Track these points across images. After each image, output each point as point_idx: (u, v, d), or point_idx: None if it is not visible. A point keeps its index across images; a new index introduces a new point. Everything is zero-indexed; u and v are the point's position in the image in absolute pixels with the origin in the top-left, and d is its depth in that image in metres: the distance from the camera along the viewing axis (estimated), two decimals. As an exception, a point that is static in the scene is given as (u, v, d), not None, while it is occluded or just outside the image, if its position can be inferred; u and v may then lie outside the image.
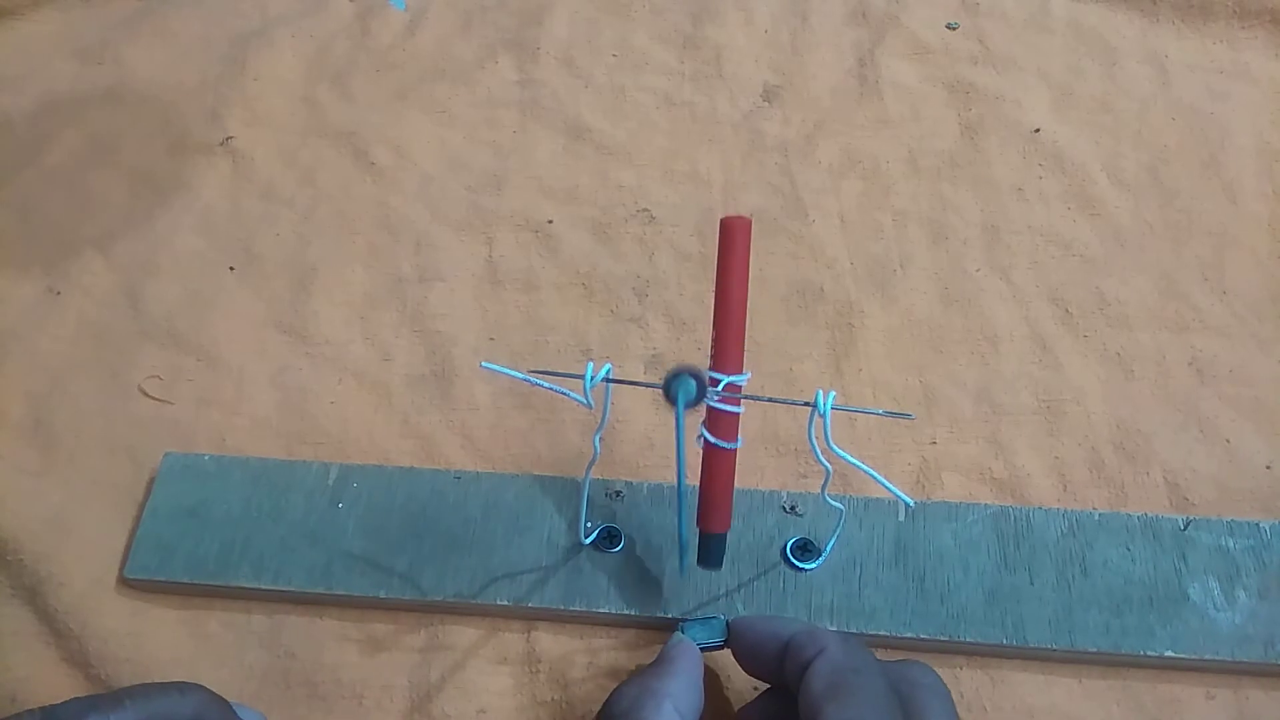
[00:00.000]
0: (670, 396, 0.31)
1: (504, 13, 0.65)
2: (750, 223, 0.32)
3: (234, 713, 0.36)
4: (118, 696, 0.33)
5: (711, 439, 0.35)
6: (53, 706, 0.32)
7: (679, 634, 0.39)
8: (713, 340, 0.34)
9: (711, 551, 0.39)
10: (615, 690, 0.36)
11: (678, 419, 0.30)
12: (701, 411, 0.35)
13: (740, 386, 0.34)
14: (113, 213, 0.56)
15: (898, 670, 0.35)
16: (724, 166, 0.57)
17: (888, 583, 0.41)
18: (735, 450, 0.36)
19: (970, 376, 0.49)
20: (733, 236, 0.32)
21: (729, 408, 0.34)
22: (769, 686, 0.38)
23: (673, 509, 0.43)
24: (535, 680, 0.41)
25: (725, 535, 0.39)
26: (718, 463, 0.37)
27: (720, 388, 0.33)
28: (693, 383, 0.31)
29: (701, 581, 0.41)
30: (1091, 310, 0.51)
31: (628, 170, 0.57)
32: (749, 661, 0.38)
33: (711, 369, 0.34)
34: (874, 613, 0.40)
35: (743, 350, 0.34)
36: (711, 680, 0.40)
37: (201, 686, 0.35)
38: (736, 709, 0.40)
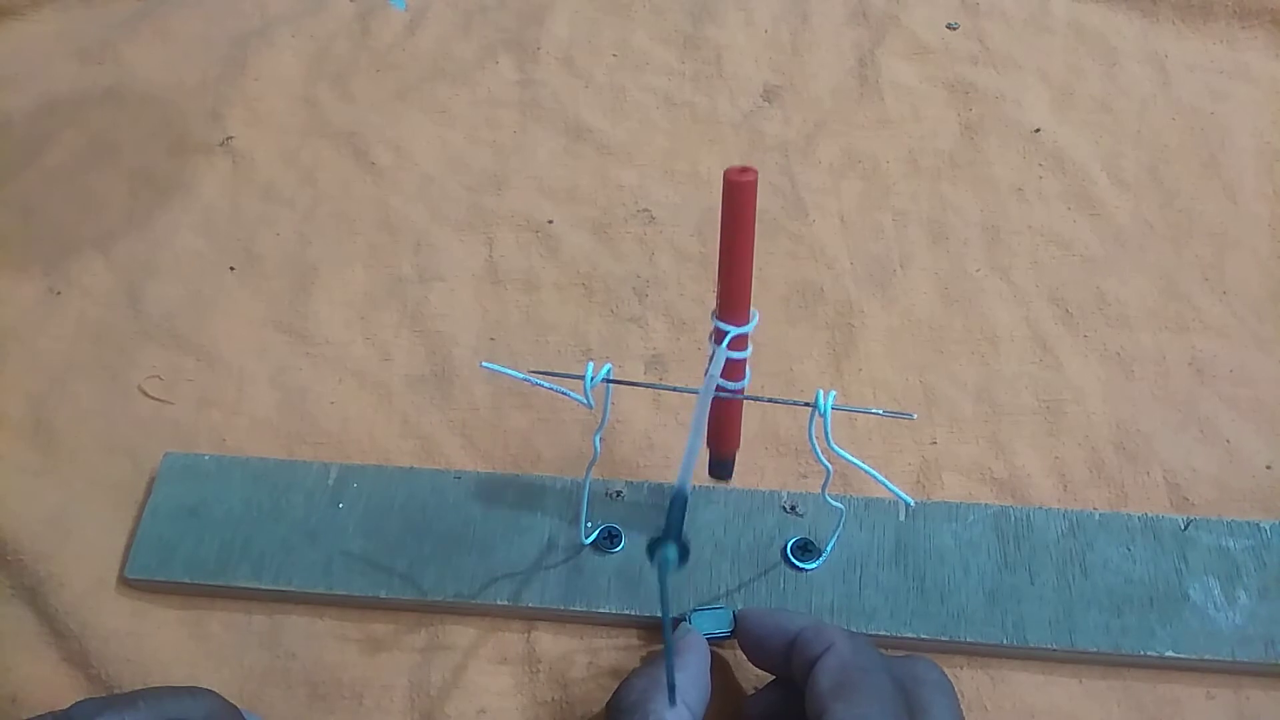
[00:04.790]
0: (654, 561, 0.32)
1: (504, 13, 0.65)
2: (755, 175, 0.32)
3: (243, 719, 0.36)
4: (132, 698, 0.33)
5: (723, 384, 0.36)
6: (67, 708, 0.32)
7: (686, 625, 0.39)
8: (718, 293, 0.34)
9: (722, 468, 0.41)
10: (623, 682, 0.36)
11: (662, 585, 0.31)
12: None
13: (747, 335, 0.34)
14: (113, 213, 0.56)
15: (903, 667, 0.35)
16: (724, 166, 0.56)
17: (888, 583, 0.41)
18: (743, 388, 0.37)
19: (970, 376, 0.49)
20: (737, 190, 0.32)
21: (737, 355, 0.35)
22: (774, 678, 0.38)
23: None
24: (535, 680, 0.41)
25: (734, 454, 0.41)
26: (728, 401, 0.38)
27: (728, 339, 0.34)
28: (674, 555, 0.31)
29: (702, 581, 0.41)
30: (1091, 310, 0.51)
31: (628, 170, 0.57)
32: (755, 654, 0.38)
33: (718, 319, 0.34)
34: (874, 613, 0.40)
35: (749, 301, 0.34)
36: (718, 671, 0.40)
37: (213, 692, 0.36)
38: (742, 700, 0.40)
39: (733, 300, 0.34)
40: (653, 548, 0.32)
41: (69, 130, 0.60)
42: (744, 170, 0.31)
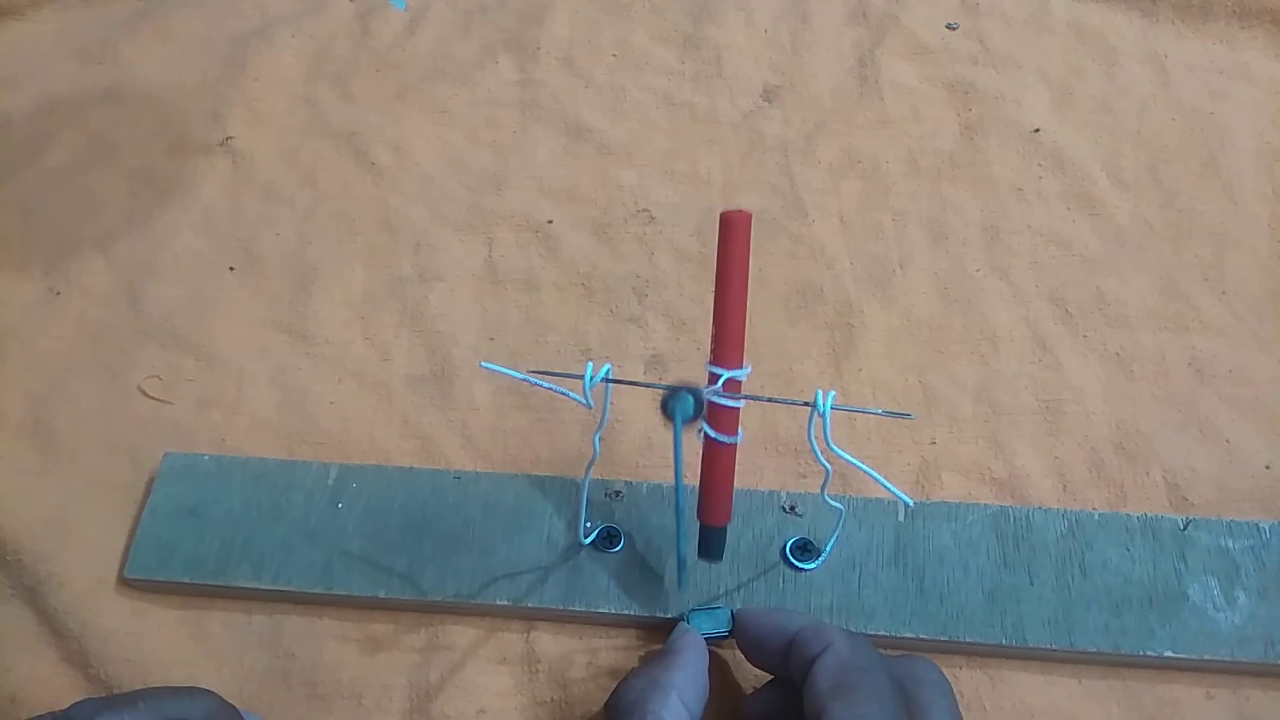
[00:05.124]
0: (668, 413, 0.31)
1: (504, 13, 0.65)
2: (750, 217, 0.32)
3: (243, 719, 0.36)
4: (131, 698, 0.33)
5: (712, 434, 0.35)
6: (66, 708, 0.32)
7: (684, 624, 0.39)
8: (712, 335, 0.34)
9: (712, 544, 0.39)
10: (622, 682, 0.36)
11: (675, 436, 0.30)
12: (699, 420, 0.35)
13: (740, 382, 0.34)
14: (113, 213, 0.56)
15: (901, 666, 0.35)
16: (724, 166, 0.57)
17: (887, 583, 0.41)
18: (735, 445, 0.36)
19: (970, 376, 0.49)
20: (732, 231, 0.32)
21: (729, 402, 0.34)
22: (773, 677, 0.38)
23: (673, 508, 0.43)
24: (535, 680, 0.41)
25: (725, 528, 0.39)
26: (718, 457, 0.37)
27: (720, 383, 0.33)
28: (690, 400, 0.31)
29: (701, 580, 0.41)
30: (1091, 310, 0.51)
31: (628, 170, 0.57)
32: (753, 653, 0.38)
33: (711, 363, 0.34)
34: (873, 613, 0.40)
35: (743, 345, 0.34)
36: (717, 670, 0.40)
37: (213, 692, 0.36)
38: (741, 700, 0.40)
39: (726, 342, 0.33)
40: (668, 401, 0.31)
41: (69, 130, 0.60)
42: (738, 211, 0.31)
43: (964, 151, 0.57)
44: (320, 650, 0.42)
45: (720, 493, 0.38)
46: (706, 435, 0.36)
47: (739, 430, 0.36)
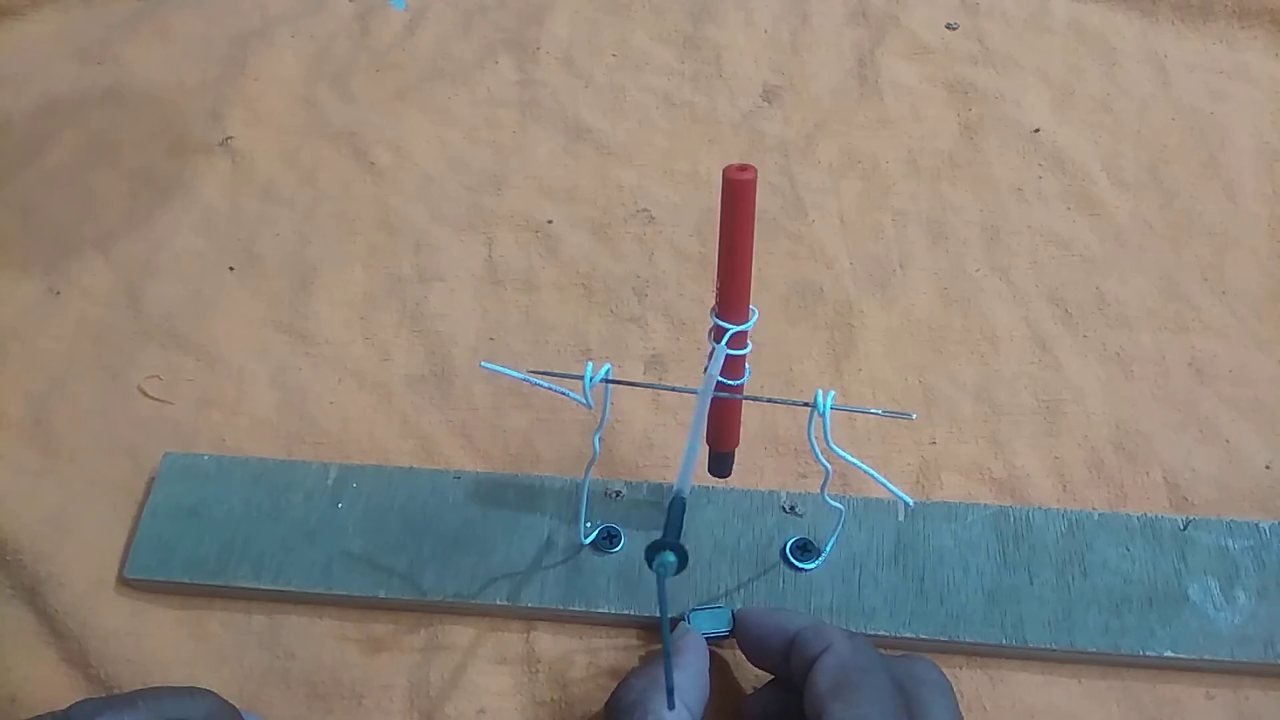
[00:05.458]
0: (652, 567, 0.33)
1: (504, 13, 0.65)
2: (754, 173, 0.32)
3: (243, 719, 0.36)
4: (131, 698, 0.33)
5: (725, 382, 0.36)
6: (66, 709, 0.32)
7: (685, 624, 0.39)
8: (717, 290, 0.35)
9: (722, 464, 0.41)
10: (622, 682, 0.36)
11: (660, 591, 0.31)
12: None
13: (746, 333, 0.35)
14: (113, 213, 0.56)
15: (902, 666, 0.35)
16: (724, 166, 0.57)
17: (887, 583, 0.41)
18: (743, 385, 0.37)
19: (970, 376, 0.49)
20: (735, 188, 0.32)
21: (736, 352, 0.35)
22: (773, 677, 0.38)
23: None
24: (535, 680, 0.41)
25: (733, 451, 0.40)
26: (727, 399, 0.38)
27: (727, 338, 0.34)
28: (672, 560, 0.32)
29: (701, 581, 0.41)
30: (1091, 310, 0.51)
31: (628, 170, 0.57)
32: (754, 653, 0.38)
33: (717, 317, 0.34)
34: (873, 613, 0.40)
35: (748, 298, 0.34)
36: (717, 670, 0.40)
37: (213, 692, 0.36)
38: (741, 700, 0.40)
39: (732, 298, 0.34)
40: (651, 552, 0.32)
41: (69, 130, 0.60)
42: (743, 168, 0.31)
43: (964, 151, 0.57)
44: (320, 650, 0.42)
45: (729, 424, 0.39)
46: (717, 384, 0.36)
47: (746, 371, 0.36)
